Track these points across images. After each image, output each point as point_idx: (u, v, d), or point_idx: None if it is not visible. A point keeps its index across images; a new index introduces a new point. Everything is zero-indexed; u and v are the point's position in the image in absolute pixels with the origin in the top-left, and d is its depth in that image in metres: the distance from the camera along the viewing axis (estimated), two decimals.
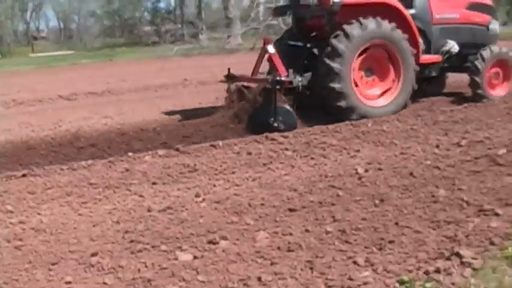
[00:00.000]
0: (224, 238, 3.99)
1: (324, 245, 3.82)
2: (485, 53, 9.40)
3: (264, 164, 5.98)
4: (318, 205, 4.61)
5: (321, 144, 6.68)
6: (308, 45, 9.14)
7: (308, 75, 8.46)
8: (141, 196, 5.14)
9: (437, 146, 6.28)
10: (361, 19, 8.27)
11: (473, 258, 3.44)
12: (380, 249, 3.71)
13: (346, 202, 4.64)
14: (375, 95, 8.64)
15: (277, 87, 7.94)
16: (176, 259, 3.74)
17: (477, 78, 9.38)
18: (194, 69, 18.10)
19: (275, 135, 7.15)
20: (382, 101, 8.62)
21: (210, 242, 3.95)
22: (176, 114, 9.56)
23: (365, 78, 8.61)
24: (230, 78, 9.08)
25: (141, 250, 3.90)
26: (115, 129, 8.54)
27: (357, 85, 8.37)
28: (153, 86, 14.11)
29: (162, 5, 56.49)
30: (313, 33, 9.29)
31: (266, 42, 8.58)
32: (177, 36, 40.03)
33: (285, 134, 7.22)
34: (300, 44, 9.18)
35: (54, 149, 7.51)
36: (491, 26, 10.01)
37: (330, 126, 7.59)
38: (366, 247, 3.76)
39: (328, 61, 8.16)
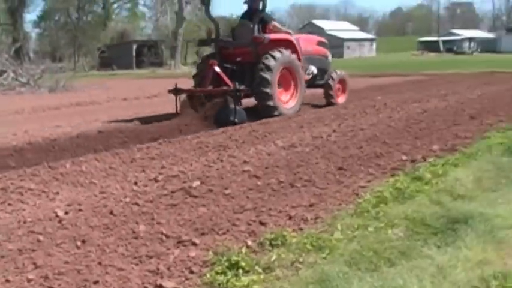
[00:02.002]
0: None
1: None
2: (334, 74, 14.65)
3: None
4: (18, 253, 4.37)
5: (18, 189, 6.34)
6: (234, 66, 12.91)
7: (243, 86, 12.03)
8: None
9: (135, 183, 6.39)
10: (280, 48, 12.50)
11: None
12: None
13: (47, 247, 4.47)
14: (283, 100, 12.76)
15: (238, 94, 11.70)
16: None
17: (331, 91, 14.50)
18: None
19: None
20: (289, 105, 12.87)
21: None
22: None
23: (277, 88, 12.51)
24: (177, 91, 12.66)
25: None
26: None
27: None
28: None
29: None
30: (238, 58, 13.09)
31: (213, 64, 12.17)
32: None
33: None
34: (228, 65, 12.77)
35: None
36: (329, 57, 15.30)
37: (28, 170, 7.28)
38: None
39: (262, 74, 12.08)
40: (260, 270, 3.84)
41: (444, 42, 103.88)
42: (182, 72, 51.43)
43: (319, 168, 6.84)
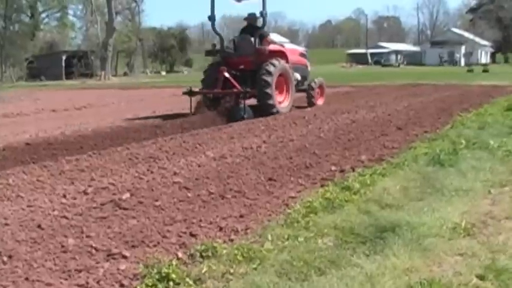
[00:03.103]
0: None
1: None
2: (314, 81, 17.53)
3: None
4: None
5: None
6: (237, 73, 15.43)
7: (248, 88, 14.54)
8: None
9: (64, 196, 6.25)
10: (277, 58, 15.28)
11: None
12: None
13: None
14: (279, 101, 15.43)
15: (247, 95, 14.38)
16: None
17: (313, 95, 17.25)
18: None
19: None
20: (283, 104, 15.65)
21: None
22: None
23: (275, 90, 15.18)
24: (191, 93, 15.31)
25: None
26: None
27: None
28: None
29: None
30: (241, 66, 15.64)
31: (223, 71, 14.79)
32: None
33: None
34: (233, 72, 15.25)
35: None
36: (308, 67, 18.25)
37: None
38: None
39: (264, 77, 14.69)
40: (191, 282, 3.84)
41: (372, 54, 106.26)
42: (112, 83, 50.97)
43: (250, 179, 6.89)
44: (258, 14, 15.90)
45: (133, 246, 4.56)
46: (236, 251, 4.33)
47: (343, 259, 4.22)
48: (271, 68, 14.88)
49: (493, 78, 36.11)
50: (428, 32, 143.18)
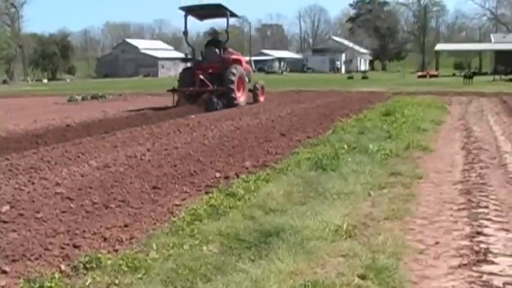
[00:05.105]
0: None
1: None
2: (258, 83, 22.53)
3: None
4: None
5: None
6: (206, 76, 19.83)
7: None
8: None
9: None
10: (237, 64, 20.65)
11: None
12: None
13: None
14: (238, 96, 20.14)
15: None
16: None
17: (257, 94, 22.12)
18: None
19: None
20: (241, 99, 20.41)
21: None
22: None
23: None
24: (174, 90, 20.61)
25: None
26: None
27: None
28: None
29: None
30: (210, 70, 20.07)
31: (198, 74, 19.61)
32: None
33: None
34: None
35: None
36: (251, 72, 23.46)
37: None
38: None
39: (230, 77, 19.67)
40: None
41: (256, 62, 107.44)
42: None
43: (134, 188, 6.81)
44: (219, 30, 22.84)
45: (13, 261, 4.40)
46: (121, 261, 4.28)
47: (229, 265, 4.26)
48: (234, 71, 20.05)
49: (371, 85, 37.62)
50: (311, 40, 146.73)
